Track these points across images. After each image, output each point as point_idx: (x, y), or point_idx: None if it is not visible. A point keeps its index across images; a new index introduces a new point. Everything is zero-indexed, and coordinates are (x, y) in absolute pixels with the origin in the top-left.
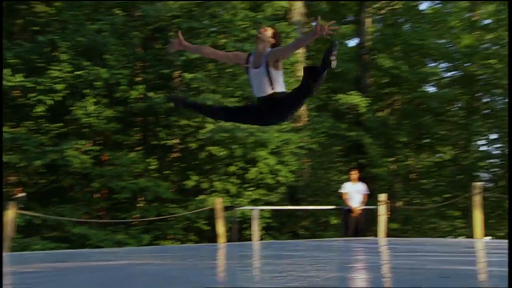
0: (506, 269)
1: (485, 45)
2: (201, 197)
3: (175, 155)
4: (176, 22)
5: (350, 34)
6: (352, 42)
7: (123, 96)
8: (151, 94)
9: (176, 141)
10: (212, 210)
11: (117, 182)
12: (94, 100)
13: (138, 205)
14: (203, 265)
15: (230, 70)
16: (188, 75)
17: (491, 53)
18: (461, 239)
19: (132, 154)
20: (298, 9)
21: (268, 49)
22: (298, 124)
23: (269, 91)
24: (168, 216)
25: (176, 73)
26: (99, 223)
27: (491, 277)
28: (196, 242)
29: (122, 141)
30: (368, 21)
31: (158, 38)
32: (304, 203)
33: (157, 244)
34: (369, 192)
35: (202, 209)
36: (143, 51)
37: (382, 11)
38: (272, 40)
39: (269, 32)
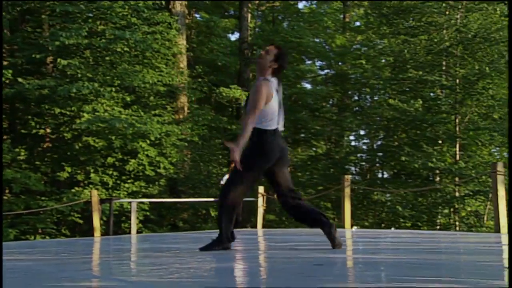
0: (371, 256)
1: (356, 46)
2: (76, 189)
3: (47, 145)
4: (49, 4)
5: (231, 28)
6: (234, 37)
7: None
8: (20, 79)
9: (48, 130)
10: (87, 203)
11: None
12: None
13: (4, 197)
14: (76, 260)
15: (109, 58)
16: (62, 62)
17: (361, 53)
18: None
19: None
20: (179, 0)
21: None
22: (180, 116)
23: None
24: (38, 210)
25: (49, 59)
26: None
27: (356, 264)
28: (68, 236)
29: None
30: (249, 17)
31: (28, 21)
32: (184, 195)
33: (25, 239)
34: None
35: (77, 201)
36: (11, 33)
37: (262, 8)
38: (275, 65)
39: (271, 54)
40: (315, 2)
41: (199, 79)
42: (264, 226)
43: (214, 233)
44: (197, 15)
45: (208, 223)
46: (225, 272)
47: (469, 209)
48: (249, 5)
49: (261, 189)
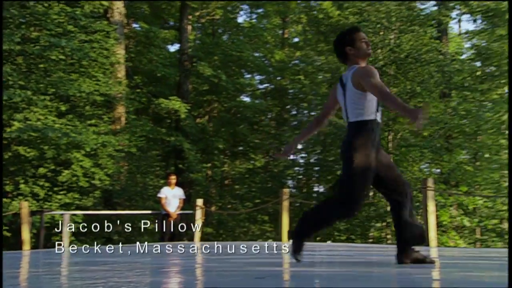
0: (309, 268)
1: (295, 62)
2: (4, 200)
3: None
4: None
5: (171, 40)
6: (173, 48)
7: None
8: None
9: None
10: (16, 215)
11: None
12: None
13: None
14: (4, 275)
15: (43, 66)
16: None
17: (299, 69)
18: (269, 242)
19: None
20: (118, 9)
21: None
22: (117, 127)
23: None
24: None
25: None
26: None
27: (295, 277)
28: None
29: None
30: (189, 28)
31: None
32: (120, 207)
33: None
34: (185, 197)
35: (5, 214)
36: None
37: (203, 20)
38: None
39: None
40: (255, 16)
41: (138, 90)
42: (202, 240)
43: (151, 246)
44: (136, 25)
45: (144, 236)
46: (162, 286)
47: None
48: (189, 17)
49: (199, 201)
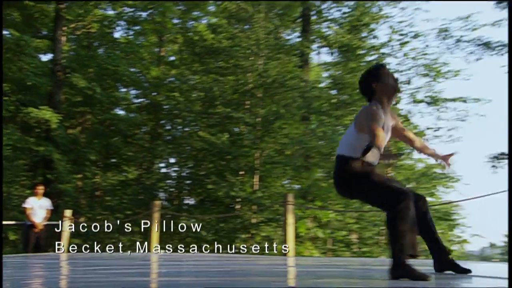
0: (174, 278)
1: (170, 79)
2: None
3: None
4: None
5: (44, 49)
6: (46, 57)
7: None
8: None
9: None
10: None
11: None
12: None
13: None
14: None
15: None
16: None
17: (175, 86)
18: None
19: None
20: None
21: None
22: None
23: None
24: None
25: None
26: None
27: (161, 287)
28: None
29: None
30: (63, 39)
31: None
32: None
33: None
34: (53, 208)
35: None
36: None
37: (78, 32)
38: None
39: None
40: (132, 32)
41: (5, 98)
42: (69, 251)
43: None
44: (6, 32)
45: (5, 247)
46: None
47: (263, 234)
48: (64, 28)
49: (68, 212)
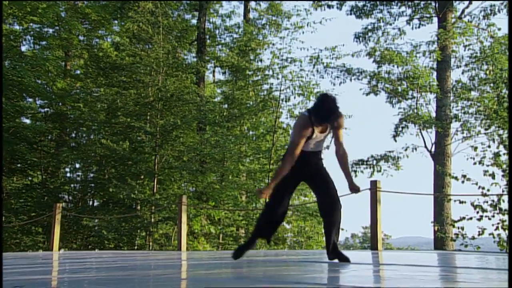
0: (76, 275)
1: (76, 91)
2: None
3: None
4: None
5: None
6: None
7: None
8: None
9: None
10: None
11: None
12: None
13: None
14: None
15: None
16: None
17: (80, 98)
18: (40, 252)
19: None
20: None
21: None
22: None
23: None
24: None
25: None
26: None
27: (61, 283)
28: None
29: None
30: None
31: None
32: None
33: None
34: None
35: None
36: None
37: None
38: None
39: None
40: (38, 47)
41: None
42: None
43: None
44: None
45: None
46: None
47: (161, 231)
48: None
49: None
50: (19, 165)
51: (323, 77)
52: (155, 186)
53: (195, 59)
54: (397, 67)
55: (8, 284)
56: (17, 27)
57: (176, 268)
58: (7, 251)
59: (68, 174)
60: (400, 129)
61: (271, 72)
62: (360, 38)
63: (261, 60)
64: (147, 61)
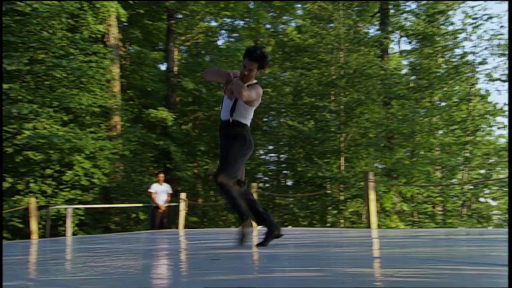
0: (272, 250)
1: (264, 77)
2: (17, 197)
3: None
4: None
5: (160, 60)
6: (162, 67)
7: None
8: None
9: None
10: (26, 209)
11: None
12: None
13: None
14: (13, 261)
15: (48, 82)
16: (4, 85)
17: (268, 83)
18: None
19: None
20: (113, 34)
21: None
22: (113, 133)
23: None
24: None
25: None
26: None
27: (263, 257)
28: (9, 239)
29: None
30: (175, 50)
31: None
32: (116, 201)
33: None
34: (172, 192)
35: (16, 208)
36: None
37: (187, 43)
38: (257, 71)
39: (254, 66)
40: (232, 39)
41: (131, 102)
42: (186, 227)
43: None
44: (130, 48)
45: (137, 225)
46: (148, 267)
47: (351, 209)
48: (175, 41)
49: (183, 195)
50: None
51: None
52: (342, 164)
53: (378, 32)
54: None
55: (206, 257)
56: (214, 23)
57: (367, 246)
58: (217, 227)
59: (262, 156)
60: None
61: (463, 35)
62: None
63: (451, 24)
64: (328, 39)
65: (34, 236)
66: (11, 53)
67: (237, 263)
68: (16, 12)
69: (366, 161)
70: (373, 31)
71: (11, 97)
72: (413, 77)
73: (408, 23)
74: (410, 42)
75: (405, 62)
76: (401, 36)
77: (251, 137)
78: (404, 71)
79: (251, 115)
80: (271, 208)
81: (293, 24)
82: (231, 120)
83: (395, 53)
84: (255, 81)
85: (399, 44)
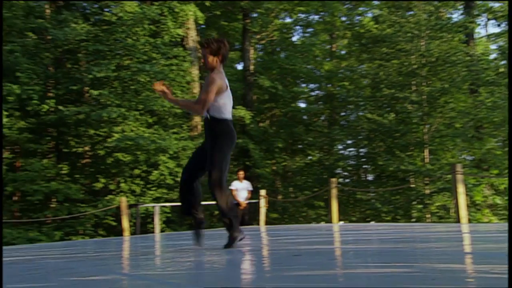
0: (354, 246)
1: (341, 71)
2: (109, 197)
3: (85, 161)
4: (84, 45)
5: (237, 59)
6: (239, 66)
7: (35, 109)
8: (61, 107)
9: (87, 148)
10: (118, 208)
11: (30, 185)
12: (6, 113)
13: (51, 205)
14: (107, 256)
15: (134, 87)
16: (94, 92)
17: (345, 77)
18: (322, 224)
19: (44, 161)
20: (192, 37)
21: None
22: (194, 133)
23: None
24: (78, 215)
25: (85, 89)
26: (13, 222)
27: (345, 253)
28: (104, 236)
29: (35, 149)
30: (251, 49)
31: (68, 59)
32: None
33: (69, 240)
34: (252, 189)
35: (110, 207)
36: (54, 69)
37: (262, 41)
38: (219, 58)
39: (212, 52)
40: (307, 34)
41: None
42: (267, 224)
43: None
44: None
45: (220, 222)
46: (234, 263)
47: (438, 203)
48: (251, 39)
49: (263, 192)
50: (299, 146)
51: None
52: (426, 156)
53: (462, 16)
54: None
55: (288, 252)
56: (288, 19)
57: (457, 241)
58: (297, 223)
59: (341, 151)
60: None
61: None
62: None
63: None
64: (407, 27)
65: (126, 233)
66: (100, 61)
67: (319, 258)
68: (103, 22)
69: (453, 152)
70: (456, 16)
71: (101, 102)
72: (503, 62)
73: (497, 4)
74: (499, 25)
75: (493, 47)
76: (488, 19)
77: (232, 129)
78: (492, 56)
79: (227, 104)
80: (352, 204)
81: (369, 15)
82: (209, 117)
83: (482, 37)
84: (221, 70)
85: (486, 28)
